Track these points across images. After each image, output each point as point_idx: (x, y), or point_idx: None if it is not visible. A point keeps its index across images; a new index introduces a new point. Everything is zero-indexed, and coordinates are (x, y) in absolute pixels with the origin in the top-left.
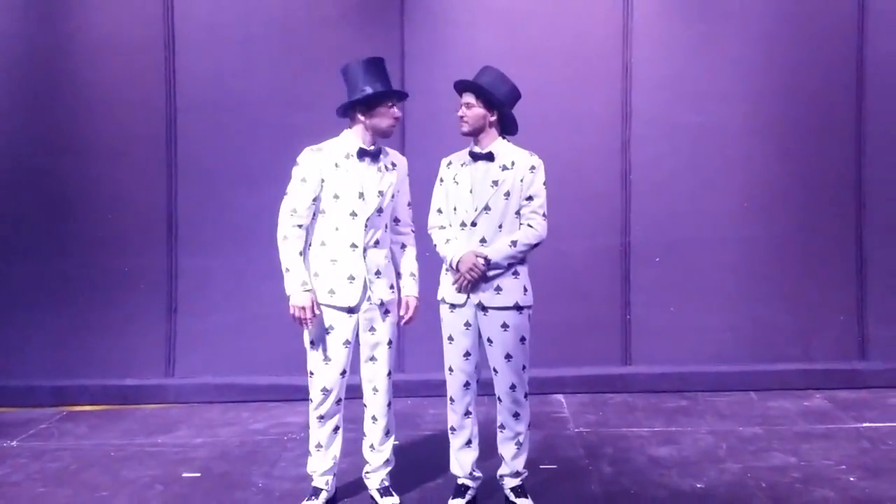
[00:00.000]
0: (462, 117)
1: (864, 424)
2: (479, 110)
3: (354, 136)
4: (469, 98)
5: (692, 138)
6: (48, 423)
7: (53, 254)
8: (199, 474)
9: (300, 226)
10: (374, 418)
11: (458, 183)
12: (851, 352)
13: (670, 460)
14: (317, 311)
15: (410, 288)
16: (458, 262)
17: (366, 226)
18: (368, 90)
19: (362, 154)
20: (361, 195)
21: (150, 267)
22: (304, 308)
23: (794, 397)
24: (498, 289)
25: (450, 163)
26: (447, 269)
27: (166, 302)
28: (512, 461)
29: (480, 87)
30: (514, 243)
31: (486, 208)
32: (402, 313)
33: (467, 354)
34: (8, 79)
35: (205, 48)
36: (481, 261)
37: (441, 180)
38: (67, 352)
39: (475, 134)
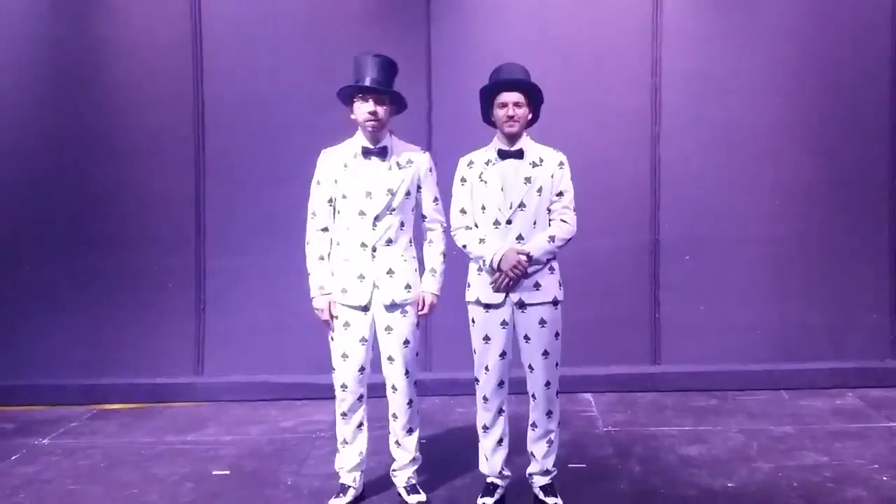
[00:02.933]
0: (513, 117)
1: None
2: (526, 109)
3: (360, 135)
4: (519, 97)
5: (722, 134)
6: (79, 421)
7: (83, 253)
8: (228, 472)
9: (323, 229)
10: (394, 416)
11: (485, 182)
12: (883, 350)
13: (700, 459)
14: (334, 314)
15: (428, 284)
16: (501, 260)
17: (374, 225)
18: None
19: (367, 152)
20: (369, 194)
21: (178, 266)
22: (321, 310)
23: (826, 396)
24: (537, 285)
25: (471, 162)
26: (481, 270)
27: (195, 301)
28: (542, 459)
29: (534, 87)
30: (552, 238)
31: (521, 206)
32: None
33: (503, 354)
34: (38, 80)
35: (232, 47)
36: (524, 258)
37: (463, 180)
38: (97, 351)
39: (521, 133)
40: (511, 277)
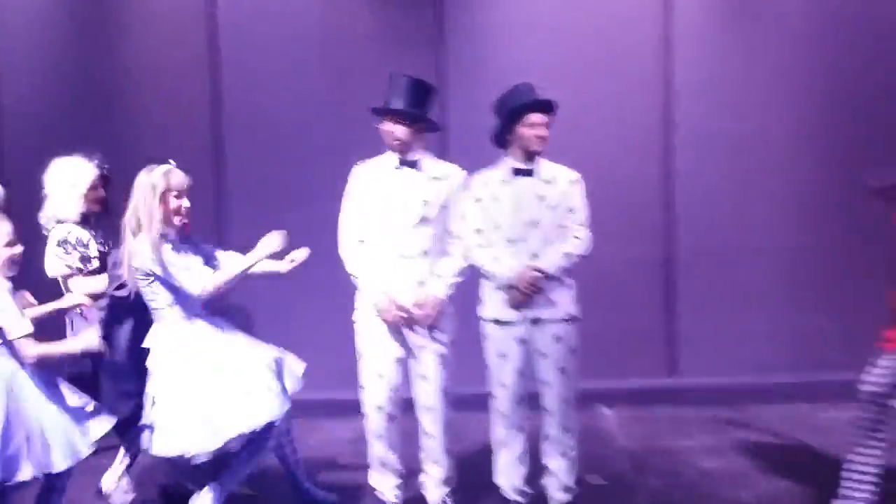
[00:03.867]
0: (544, 137)
1: None
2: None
3: None
4: (546, 118)
5: (736, 145)
6: None
7: None
8: None
9: (359, 241)
10: (429, 435)
11: (499, 200)
12: None
13: (720, 473)
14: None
15: (434, 287)
16: (515, 278)
17: (407, 236)
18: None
19: (402, 163)
20: (401, 206)
21: None
22: (385, 310)
23: (846, 408)
24: (551, 301)
25: (484, 181)
26: (497, 287)
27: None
28: (561, 475)
29: (555, 107)
30: (566, 255)
31: (534, 223)
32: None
33: (520, 370)
34: (57, 107)
35: (249, 69)
36: (538, 275)
37: (477, 199)
38: None
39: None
40: (526, 294)
